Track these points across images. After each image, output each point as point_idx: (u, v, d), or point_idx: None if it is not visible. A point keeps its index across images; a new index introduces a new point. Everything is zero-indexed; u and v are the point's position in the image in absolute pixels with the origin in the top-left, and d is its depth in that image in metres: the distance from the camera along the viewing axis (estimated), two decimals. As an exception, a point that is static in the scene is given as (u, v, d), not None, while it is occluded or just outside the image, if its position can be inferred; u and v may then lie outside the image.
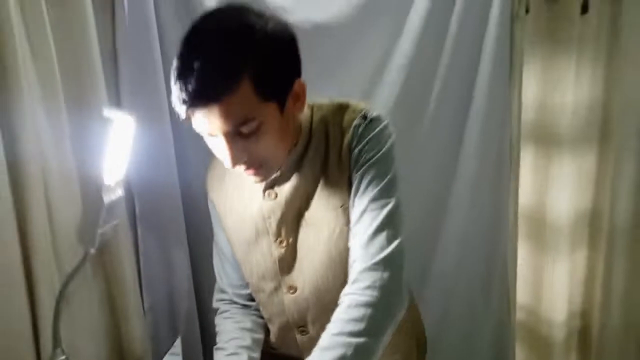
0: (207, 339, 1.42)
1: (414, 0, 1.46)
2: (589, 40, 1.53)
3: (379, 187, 0.83)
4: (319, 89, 1.19)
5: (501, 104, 1.53)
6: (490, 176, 1.56)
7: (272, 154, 0.81)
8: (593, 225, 1.63)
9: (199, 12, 1.15)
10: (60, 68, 1.03)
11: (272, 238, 0.92)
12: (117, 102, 1.17)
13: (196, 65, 0.69)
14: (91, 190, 0.94)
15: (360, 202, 0.83)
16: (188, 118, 0.75)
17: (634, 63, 1.51)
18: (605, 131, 1.58)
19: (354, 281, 0.80)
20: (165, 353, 1.06)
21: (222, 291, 1.05)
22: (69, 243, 1.03)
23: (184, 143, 1.30)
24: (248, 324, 1.00)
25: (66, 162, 1.04)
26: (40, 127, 0.99)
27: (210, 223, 1.06)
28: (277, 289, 0.95)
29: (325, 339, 0.76)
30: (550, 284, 1.67)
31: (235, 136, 0.75)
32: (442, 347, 1.60)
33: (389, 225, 0.81)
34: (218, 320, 1.03)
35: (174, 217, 1.29)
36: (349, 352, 0.72)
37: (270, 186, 0.89)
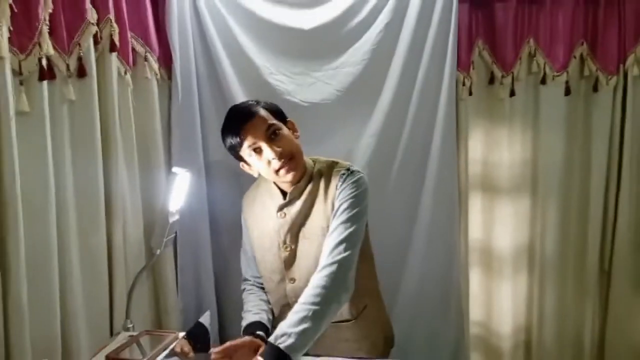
0: (224, 336, 1.88)
1: (383, 87, 1.99)
2: (517, 115, 2.03)
3: (348, 215, 1.29)
4: (313, 149, 1.73)
5: (450, 163, 2.00)
6: (443, 218, 2.00)
7: (295, 150, 1.31)
8: (530, 255, 2.06)
9: (227, 98, 1.74)
10: (137, 139, 1.59)
11: (280, 245, 1.38)
12: (169, 160, 1.73)
13: (239, 115, 1.30)
14: (156, 215, 1.45)
15: (334, 222, 1.30)
16: (243, 140, 1.28)
17: (552, 133, 2.00)
18: (534, 183, 2.05)
19: (318, 272, 1.26)
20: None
21: (246, 279, 1.51)
22: (133, 250, 1.56)
23: (215, 190, 1.83)
24: (264, 297, 1.46)
25: (136, 198, 1.58)
26: (122, 176, 1.53)
27: (230, 245, 1.58)
28: (282, 280, 1.39)
29: (295, 306, 1.22)
30: (498, 303, 2.08)
31: (269, 140, 1.28)
32: (409, 358, 1.99)
33: (347, 241, 1.25)
34: (244, 295, 1.49)
35: (203, 240, 1.79)
36: (309, 314, 1.17)
37: (281, 208, 1.38)
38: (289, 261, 1.38)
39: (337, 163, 1.40)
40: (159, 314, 1.75)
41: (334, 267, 1.22)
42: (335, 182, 1.33)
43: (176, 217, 1.39)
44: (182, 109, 1.74)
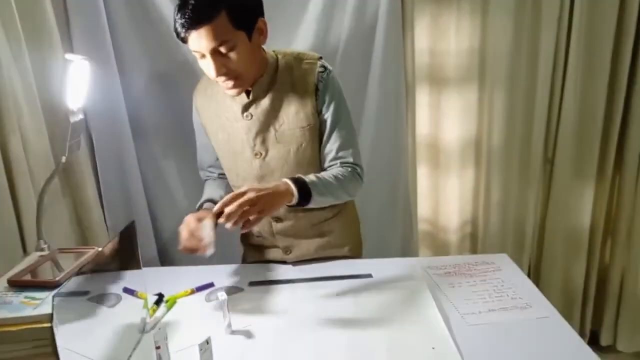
0: (163, 252, 1.74)
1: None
2: (465, 1, 1.87)
3: (343, 115, 1.21)
4: None
5: (396, 53, 1.84)
6: (390, 110, 1.89)
7: (244, 70, 1.10)
8: (476, 148, 2.01)
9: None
10: (21, 24, 1.29)
11: (251, 150, 1.22)
12: (70, 49, 1.45)
13: (191, 1, 1.01)
14: (57, 115, 1.22)
15: (332, 126, 1.20)
16: (185, 40, 1.04)
17: (501, 19, 1.86)
18: (482, 73, 1.94)
19: (339, 165, 1.22)
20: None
21: (202, 169, 1.39)
22: (38, 160, 1.32)
23: (130, 80, 1.58)
24: (223, 185, 1.34)
25: (32, 96, 1.32)
26: (10, 71, 1.26)
27: (159, 147, 1.50)
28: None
29: (324, 174, 1.18)
30: (445, 198, 2.05)
31: (217, 54, 1.05)
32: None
33: (356, 148, 1.25)
34: (205, 185, 1.37)
35: (125, 143, 1.58)
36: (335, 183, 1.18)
37: (245, 109, 1.19)
38: (264, 169, 1.23)
39: (304, 55, 1.21)
40: (83, 231, 1.57)
41: (347, 169, 1.23)
42: (311, 78, 1.18)
43: (79, 116, 1.16)
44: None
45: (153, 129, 1.59)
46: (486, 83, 1.94)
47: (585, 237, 2.05)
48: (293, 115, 1.19)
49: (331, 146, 1.21)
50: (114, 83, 1.52)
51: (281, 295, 1.20)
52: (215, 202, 1.18)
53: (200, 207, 1.26)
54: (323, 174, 1.18)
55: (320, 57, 1.21)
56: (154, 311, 1.17)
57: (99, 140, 1.52)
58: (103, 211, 1.59)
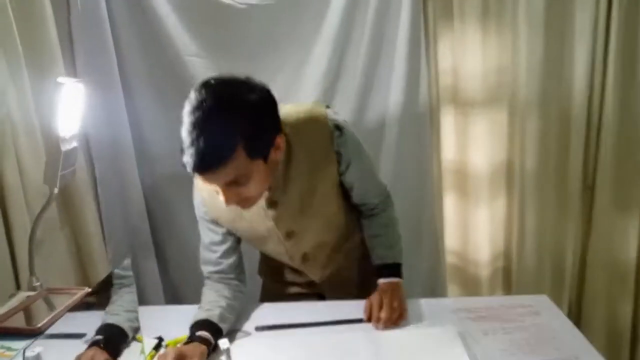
0: (168, 282, 1.63)
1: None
2: (492, 15, 1.75)
3: (367, 164, 1.16)
4: (256, 64, 1.40)
5: (418, 74, 1.74)
6: (413, 135, 1.77)
7: (258, 193, 0.99)
8: (508, 174, 1.86)
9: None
10: (22, 46, 1.23)
11: (281, 234, 1.14)
12: (74, 72, 1.38)
13: (201, 141, 0.85)
14: (52, 142, 1.14)
15: (362, 179, 1.15)
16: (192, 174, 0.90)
17: (532, 33, 1.73)
18: (511, 92, 1.80)
19: (379, 210, 1.24)
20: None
21: (208, 264, 1.19)
22: (36, 187, 1.24)
23: (136, 104, 1.51)
24: (225, 292, 1.16)
25: (30, 120, 1.26)
26: (8, 95, 1.19)
27: (164, 176, 1.38)
28: (292, 261, 1.23)
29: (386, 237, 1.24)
30: (475, 229, 1.90)
31: (230, 185, 0.93)
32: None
33: (380, 182, 1.24)
34: (203, 289, 1.19)
35: (129, 173, 1.50)
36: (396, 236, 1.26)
37: (270, 204, 1.08)
38: (297, 246, 1.18)
39: (310, 116, 1.06)
40: (82, 264, 1.47)
41: (388, 204, 1.27)
42: (328, 144, 1.05)
43: (73, 144, 1.07)
44: (83, 9, 1.38)
45: (158, 157, 1.51)
46: (517, 103, 1.80)
47: (631, 272, 1.85)
48: (319, 187, 1.09)
49: (371, 196, 1.22)
50: (119, 109, 1.46)
51: (291, 342, 1.06)
52: (213, 327, 1.05)
53: (192, 327, 1.07)
54: (385, 237, 1.24)
55: (328, 107, 1.08)
56: (152, 358, 1.05)
57: (102, 168, 1.45)
58: (104, 242, 1.50)
